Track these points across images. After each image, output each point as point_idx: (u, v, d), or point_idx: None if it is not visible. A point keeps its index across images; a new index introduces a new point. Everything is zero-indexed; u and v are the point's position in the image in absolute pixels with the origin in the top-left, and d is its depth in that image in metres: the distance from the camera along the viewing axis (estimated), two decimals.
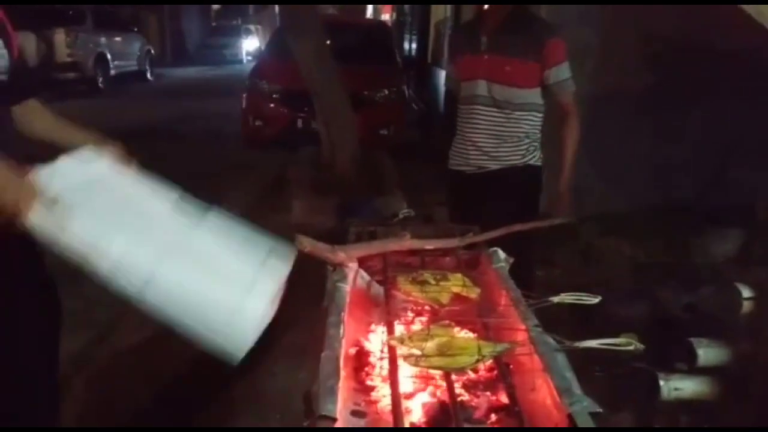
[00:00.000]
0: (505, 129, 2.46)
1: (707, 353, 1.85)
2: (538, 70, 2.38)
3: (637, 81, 4.22)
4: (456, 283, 1.53)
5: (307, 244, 1.70)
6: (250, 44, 25.63)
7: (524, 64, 2.36)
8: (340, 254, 1.71)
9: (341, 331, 1.32)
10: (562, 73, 2.38)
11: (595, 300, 1.43)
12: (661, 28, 4.07)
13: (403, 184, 5.71)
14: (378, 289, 1.74)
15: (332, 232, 4.28)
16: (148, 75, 16.00)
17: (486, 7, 2.46)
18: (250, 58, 21.93)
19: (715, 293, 3.13)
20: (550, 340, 1.28)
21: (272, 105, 6.92)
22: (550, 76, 2.39)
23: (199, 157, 7.27)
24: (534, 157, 2.53)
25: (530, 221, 2.09)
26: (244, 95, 7.07)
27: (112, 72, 13.75)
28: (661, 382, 1.88)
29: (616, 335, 2.51)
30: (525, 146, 2.50)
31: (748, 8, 1.34)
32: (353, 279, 1.69)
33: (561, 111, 2.45)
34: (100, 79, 13.12)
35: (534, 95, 2.43)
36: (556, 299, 1.43)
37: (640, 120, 4.35)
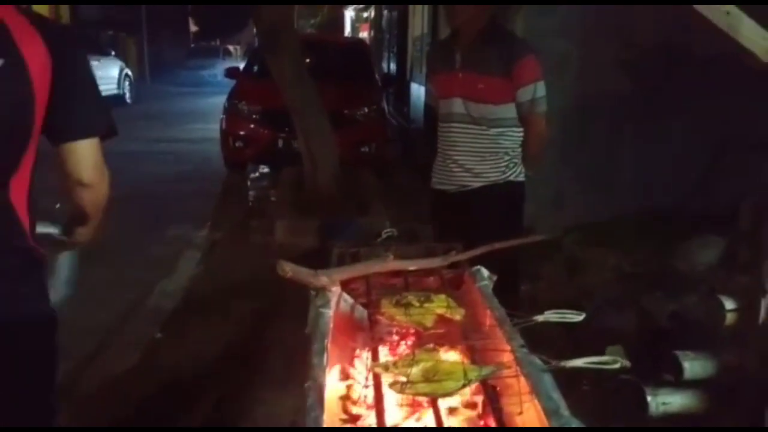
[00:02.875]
0: (483, 146, 2.46)
1: (693, 366, 1.84)
2: (511, 87, 2.38)
3: (617, 89, 4.27)
4: (440, 305, 1.51)
5: (289, 269, 1.68)
6: (229, 65, 25.65)
7: (496, 81, 2.37)
8: (322, 278, 1.68)
9: (324, 359, 1.29)
10: (530, 92, 2.38)
11: (579, 317, 1.42)
12: (641, 36, 4.12)
13: (385, 201, 5.71)
14: (362, 312, 1.71)
15: (315, 252, 4.28)
16: (127, 98, 15.90)
17: (459, 22, 2.45)
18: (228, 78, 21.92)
19: (698, 302, 3.15)
20: (537, 361, 1.26)
21: (252, 126, 6.89)
22: (519, 95, 2.39)
23: (181, 179, 7.23)
24: (514, 173, 2.52)
25: (514, 237, 2.08)
26: (224, 117, 7.04)
27: None
28: (649, 398, 1.87)
29: (602, 348, 2.52)
30: (505, 163, 2.49)
31: (719, 23, 1.35)
32: (336, 303, 1.67)
33: (528, 128, 2.46)
34: None
35: (509, 110, 2.43)
36: (540, 318, 1.42)
37: (621, 128, 4.39)
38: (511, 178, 2.51)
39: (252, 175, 6.72)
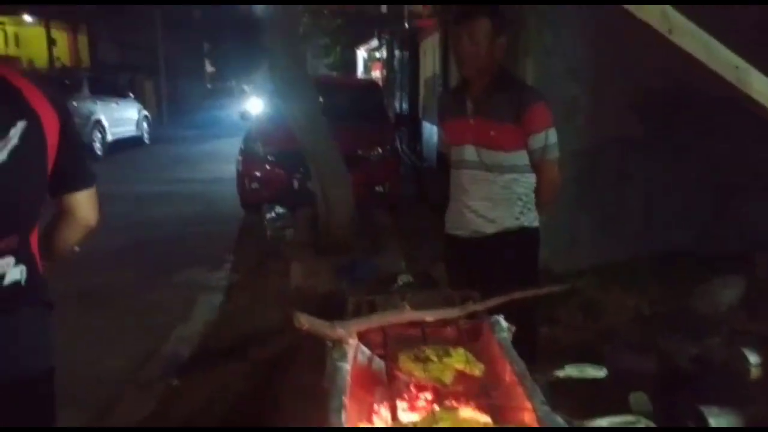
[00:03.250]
0: (496, 192, 2.46)
1: (719, 422, 1.80)
2: (522, 134, 2.39)
3: (628, 131, 4.28)
4: (459, 360, 1.50)
5: (305, 321, 1.67)
6: (245, 105, 26.10)
7: (507, 128, 2.37)
8: (339, 330, 1.68)
9: (343, 418, 1.28)
10: (541, 139, 2.39)
11: (601, 374, 1.40)
12: (651, 79, 4.14)
13: (400, 240, 5.72)
14: (379, 364, 1.70)
15: (331, 294, 4.28)
16: (145, 139, 16.18)
17: (469, 70, 2.45)
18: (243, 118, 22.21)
19: (721, 344, 3.09)
20: (559, 420, 1.24)
21: (268, 167, 6.98)
22: (530, 142, 2.40)
23: (196, 220, 7.30)
24: (528, 218, 2.51)
25: (530, 284, 2.07)
26: (240, 158, 7.14)
27: (110, 138, 13.92)
28: None
29: (624, 395, 2.46)
30: (519, 209, 2.48)
31: (728, 76, 1.36)
32: (353, 356, 1.66)
33: (540, 175, 2.46)
34: (98, 146, 13.27)
35: (521, 157, 2.44)
36: (561, 374, 1.40)
37: (632, 170, 4.38)
38: (525, 223, 2.50)
39: (268, 216, 6.77)
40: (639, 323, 3.35)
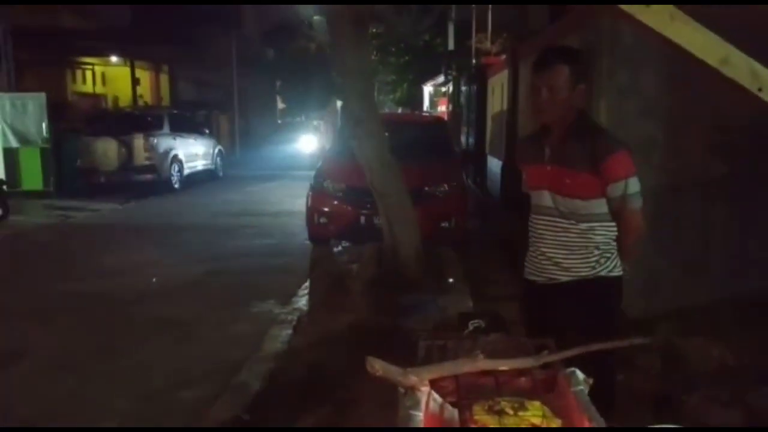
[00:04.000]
0: (571, 240, 2.39)
1: None
2: (599, 184, 2.31)
3: (707, 171, 4.13)
4: (535, 413, 1.47)
5: (379, 367, 1.68)
6: (314, 140, 26.74)
7: (584, 176, 2.31)
8: (411, 378, 1.68)
9: None
10: (620, 188, 2.30)
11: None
12: (730, 117, 4.00)
13: (467, 278, 5.67)
14: (452, 413, 1.68)
15: (396, 331, 4.27)
16: (219, 173, 16.81)
17: (548, 119, 2.40)
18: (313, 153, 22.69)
19: None
20: None
21: (336, 202, 7.11)
22: (609, 191, 2.32)
23: (265, 253, 7.49)
24: (606, 268, 2.41)
25: (606, 334, 2.00)
26: (309, 194, 7.31)
27: (186, 172, 14.55)
28: None
29: None
30: (595, 258, 2.40)
31: None
32: (426, 403, 1.65)
33: (621, 224, 2.37)
34: (175, 179, 13.89)
35: (599, 206, 2.36)
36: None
37: (713, 210, 4.21)
38: (602, 273, 2.40)
39: (335, 250, 6.87)
40: (723, 374, 3.18)
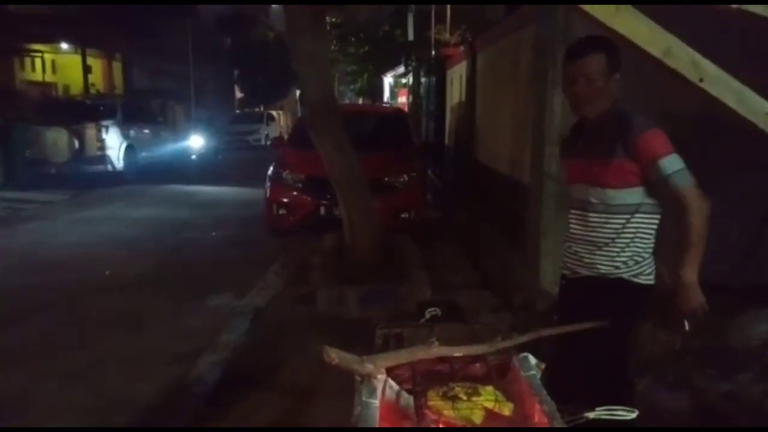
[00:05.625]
0: (601, 235, 2.26)
1: None
2: (634, 168, 2.15)
3: None
4: (488, 398, 1.50)
5: (335, 356, 1.69)
6: (273, 130, 26.48)
7: (615, 163, 2.17)
8: (368, 366, 1.69)
9: None
10: (660, 168, 2.11)
11: (632, 415, 1.39)
12: (678, 107, 4.11)
13: (426, 267, 5.71)
14: (408, 400, 1.70)
15: (356, 321, 4.28)
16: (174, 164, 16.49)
17: (584, 111, 2.29)
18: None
19: (753, 381, 3.02)
20: None
21: (295, 193, 7.07)
22: (650, 172, 2.15)
23: (223, 246, 7.39)
24: (632, 271, 2.23)
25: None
26: (268, 184, 7.24)
27: (141, 162, 14.23)
28: None
29: None
30: (623, 258, 2.23)
31: (760, 124, 1.36)
32: (382, 391, 1.67)
33: (677, 209, 2.14)
34: (129, 170, 13.56)
35: (633, 195, 2.20)
36: (591, 415, 1.39)
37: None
38: (625, 276, 2.22)
39: (292, 242, 6.84)
40: (671, 358, 3.29)
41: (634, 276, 2.23)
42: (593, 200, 2.27)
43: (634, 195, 2.20)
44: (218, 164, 17.30)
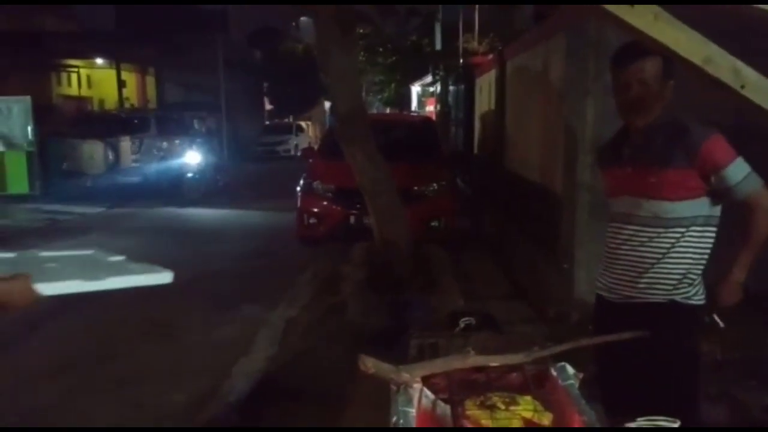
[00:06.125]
0: (652, 253, 2.08)
1: None
2: (695, 178, 2.01)
3: None
4: (526, 408, 1.49)
5: (371, 365, 1.70)
6: (302, 140, 26.74)
7: (675, 173, 2.01)
8: (403, 375, 1.69)
9: None
10: (734, 174, 1.98)
11: (676, 424, 1.37)
12: (719, 114, 4.04)
13: (457, 277, 5.69)
14: (444, 409, 1.70)
15: (387, 331, 4.28)
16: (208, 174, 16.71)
17: (635, 114, 2.13)
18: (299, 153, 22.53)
19: None
20: None
21: (325, 203, 7.12)
22: (716, 183, 2.01)
23: (252, 256, 7.47)
24: (685, 294, 2.08)
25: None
26: (299, 194, 7.31)
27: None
28: None
29: None
30: (675, 279, 2.07)
31: None
32: (418, 400, 1.67)
33: (747, 213, 2.02)
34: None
35: (692, 208, 2.04)
36: (633, 425, 1.37)
37: None
38: (678, 298, 2.06)
39: (324, 252, 6.88)
40: (711, 369, 3.22)
41: (687, 298, 2.08)
42: (643, 214, 2.07)
43: (693, 207, 2.04)
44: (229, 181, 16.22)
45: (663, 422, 1.39)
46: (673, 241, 2.05)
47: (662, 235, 2.06)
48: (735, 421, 2.97)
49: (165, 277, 1.40)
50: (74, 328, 4.90)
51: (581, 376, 1.72)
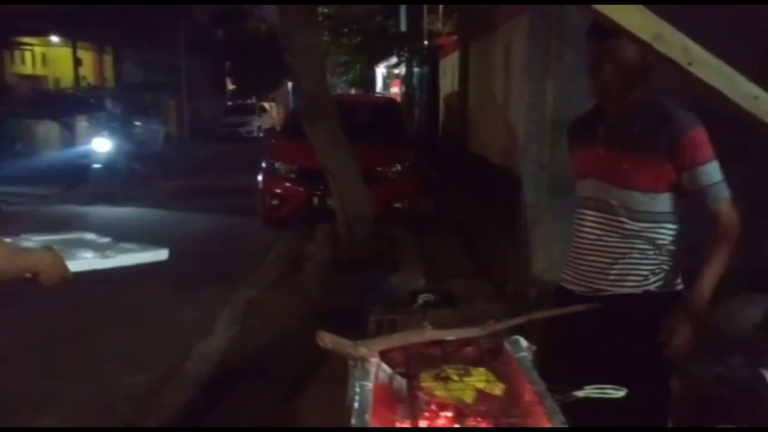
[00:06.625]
0: (619, 243, 1.92)
1: None
2: (671, 170, 1.84)
3: None
4: (479, 379, 1.52)
5: (329, 340, 1.70)
6: (266, 122, 26.43)
7: (649, 162, 1.84)
8: (361, 350, 1.71)
9: None
10: (710, 175, 1.81)
11: (621, 393, 1.41)
12: (675, 97, 4.13)
13: (420, 257, 5.74)
14: (400, 383, 1.72)
15: (350, 311, 4.30)
16: (166, 156, 16.44)
17: (610, 94, 1.92)
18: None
19: (744, 364, 3.06)
20: None
21: (288, 184, 7.08)
22: (689, 180, 1.83)
23: (215, 237, 7.39)
24: (660, 281, 1.92)
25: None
26: (261, 176, 7.24)
27: (132, 155, 14.17)
28: None
29: None
30: (650, 268, 1.92)
31: (748, 107, 1.38)
32: (375, 374, 1.68)
33: (713, 223, 1.84)
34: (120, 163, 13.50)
35: (662, 202, 1.88)
36: (581, 394, 1.41)
37: None
38: (653, 288, 1.91)
39: (287, 233, 6.85)
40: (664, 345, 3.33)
41: (662, 286, 1.93)
42: (613, 202, 1.91)
43: (665, 202, 1.88)
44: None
45: (610, 389, 1.43)
46: (642, 234, 1.90)
47: (631, 226, 1.90)
48: (687, 393, 3.08)
49: (162, 254, 1.51)
50: (34, 313, 4.79)
51: (534, 348, 1.76)
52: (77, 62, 20.30)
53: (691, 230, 1.96)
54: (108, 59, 23.24)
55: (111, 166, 11.11)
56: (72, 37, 19.78)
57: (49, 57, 21.84)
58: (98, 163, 10.99)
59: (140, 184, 11.62)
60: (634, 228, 1.90)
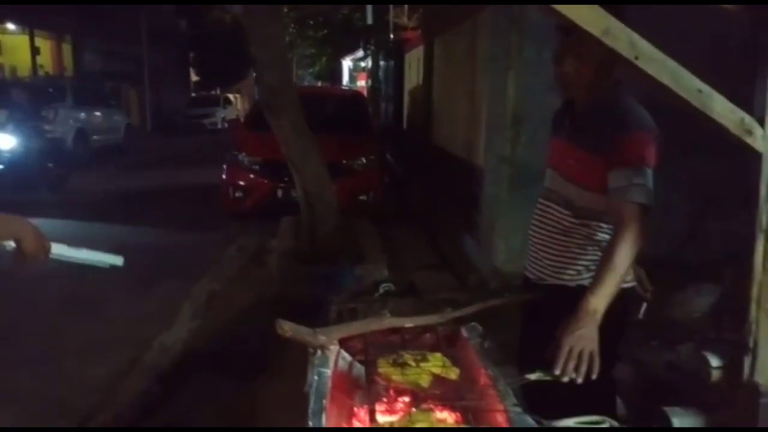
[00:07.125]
0: (561, 235, 1.93)
1: (681, 422, 1.87)
2: (603, 167, 1.79)
3: None
4: (436, 364, 1.56)
5: (288, 328, 1.72)
6: (230, 113, 26.10)
7: (591, 159, 1.83)
8: (320, 337, 1.73)
9: (323, 420, 1.33)
10: (625, 176, 1.72)
11: (572, 376, 1.46)
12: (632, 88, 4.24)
13: (384, 249, 5.77)
14: (360, 370, 1.75)
15: (314, 302, 4.31)
16: (127, 148, 16.11)
17: (572, 92, 1.94)
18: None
19: (693, 351, 3.17)
20: (529, 421, 1.30)
21: (252, 176, 7.03)
22: (611, 178, 1.76)
23: (177, 230, 7.29)
24: (592, 277, 1.81)
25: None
26: (224, 167, 7.18)
27: (92, 146, 13.86)
28: None
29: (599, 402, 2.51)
30: (584, 263, 1.91)
31: (693, 100, 1.44)
32: (335, 361, 1.71)
33: (615, 224, 1.76)
34: (80, 154, 13.19)
35: (602, 200, 1.82)
36: (533, 377, 1.46)
37: None
38: (585, 282, 1.84)
39: (250, 225, 6.80)
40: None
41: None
42: (562, 193, 1.92)
43: (602, 200, 1.82)
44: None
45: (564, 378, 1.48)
46: (581, 229, 1.90)
47: (571, 220, 1.90)
48: (639, 380, 3.18)
49: (117, 260, 1.75)
50: None
51: (486, 333, 1.81)
52: (35, 51, 19.70)
53: None
54: (67, 48, 22.61)
55: (17, 167, 8.93)
56: (29, 25, 19.18)
57: (6, 45, 21.15)
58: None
59: (55, 188, 9.39)
60: (574, 222, 1.90)
